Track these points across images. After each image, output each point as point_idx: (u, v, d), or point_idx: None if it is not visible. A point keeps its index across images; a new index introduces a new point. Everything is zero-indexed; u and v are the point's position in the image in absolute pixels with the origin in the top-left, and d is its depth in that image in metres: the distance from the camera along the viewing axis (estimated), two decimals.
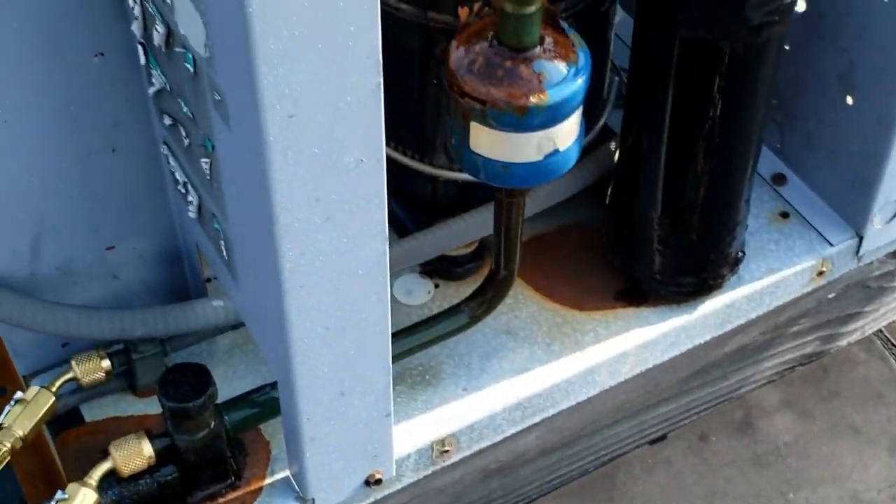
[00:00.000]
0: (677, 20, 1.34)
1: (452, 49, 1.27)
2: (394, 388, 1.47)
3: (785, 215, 1.76)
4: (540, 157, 1.29)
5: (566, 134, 1.29)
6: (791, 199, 1.77)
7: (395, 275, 1.67)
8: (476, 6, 1.28)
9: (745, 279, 1.68)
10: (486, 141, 1.28)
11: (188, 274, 1.56)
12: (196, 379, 1.36)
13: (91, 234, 1.45)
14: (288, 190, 1.10)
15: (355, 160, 1.12)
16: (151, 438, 1.39)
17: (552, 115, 1.25)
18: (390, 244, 1.59)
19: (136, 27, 1.25)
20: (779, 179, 1.79)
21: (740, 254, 1.63)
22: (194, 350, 1.58)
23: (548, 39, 1.26)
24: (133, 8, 1.24)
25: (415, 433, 1.52)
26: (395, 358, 1.50)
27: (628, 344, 1.62)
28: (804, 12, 1.64)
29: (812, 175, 1.76)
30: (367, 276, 1.23)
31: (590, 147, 1.63)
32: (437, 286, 1.67)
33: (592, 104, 1.59)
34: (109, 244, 1.48)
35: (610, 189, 1.64)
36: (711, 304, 1.65)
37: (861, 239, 1.72)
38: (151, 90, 1.30)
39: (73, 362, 1.48)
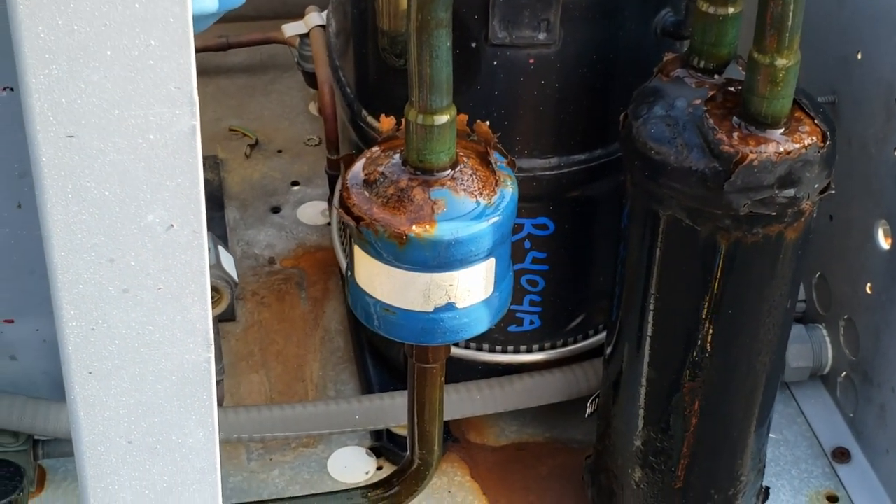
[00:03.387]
0: (659, 193, 1.06)
1: (357, 160, 1.06)
2: None
3: (833, 499, 1.38)
4: (430, 309, 1.04)
5: (467, 287, 1.03)
6: (847, 482, 1.40)
7: (335, 443, 1.43)
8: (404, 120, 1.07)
9: None
10: (366, 272, 1.04)
11: None
12: (5, 480, 1.16)
13: None
14: (68, 235, 0.90)
15: (163, 223, 0.91)
16: None
17: (442, 256, 1.00)
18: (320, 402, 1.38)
19: None
20: (841, 456, 1.42)
21: None
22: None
23: (465, 168, 1.02)
24: None
25: None
26: None
27: None
28: (889, 249, 1.31)
29: (879, 459, 1.39)
30: (183, 388, 1.00)
31: None
32: (379, 468, 1.41)
33: None
34: (7, 316, 1.32)
35: (590, 404, 1.34)
36: None
37: None
38: None
39: None
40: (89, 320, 0.95)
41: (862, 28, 1.30)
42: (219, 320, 1.49)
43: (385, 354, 1.47)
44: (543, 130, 1.20)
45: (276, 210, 1.78)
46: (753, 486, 1.27)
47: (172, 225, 0.92)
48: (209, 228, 1.75)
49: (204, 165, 1.81)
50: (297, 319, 1.61)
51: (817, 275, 1.48)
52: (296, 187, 1.82)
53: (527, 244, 1.28)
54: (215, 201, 1.78)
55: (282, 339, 1.58)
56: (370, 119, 1.26)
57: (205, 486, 1.07)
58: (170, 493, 1.06)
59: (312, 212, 1.77)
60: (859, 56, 1.31)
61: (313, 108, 1.97)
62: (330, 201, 1.71)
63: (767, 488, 1.33)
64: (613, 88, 1.18)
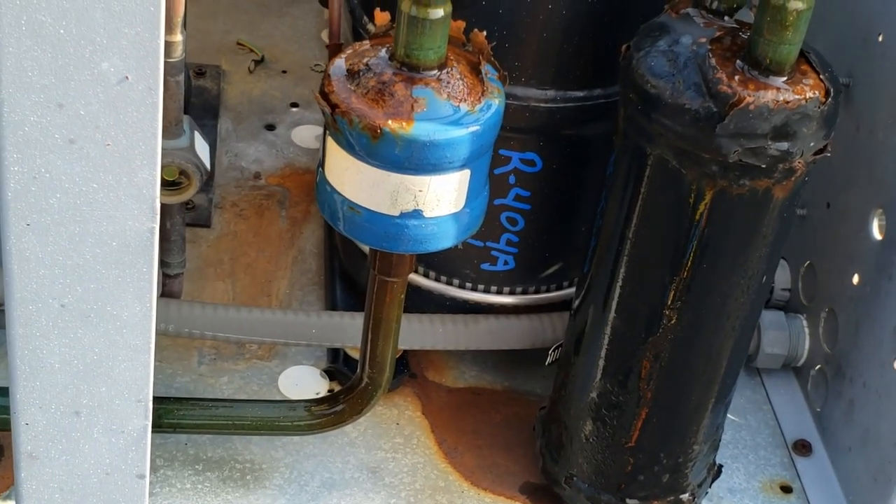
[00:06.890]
0: (650, 130, 1.02)
1: (343, 51, 1.02)
2: (202, 475, 1.27)
3: (787, 490, 1.35)
4: (396, 213, 1.00)
5: (436, 196, 0.99)
6: (804, 475, 1.36)
7: (290, 360, 1.40)
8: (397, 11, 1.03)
9: None
10: (336, 167, 1.01)
11: None
12: None
13: None
14: (16, 72, 0.86)
15: (117, 73, 0.87)
16: None
17: (415, 157, 0.96)
18: (279, 311, 1.35)
19: None
20: (802, 448, 1.39)
21: (687, 495, 1.24)
22: None
23: (453, 71, 0.98)
24: None
25: None
26: (200, 425, 1.22)
27: None
28: (881, 240, 1.28)
29: (840, 456, 1.35)
30: (123, 256, 0.96)
31: None
32: (330, 392, 1.37)
33: None
34: None
35: (552, 353, 1.30)
36: None
37: None
38: None
39: None
40: (32, 167, 0.91)
41: (888, 8, 1.25)
42: (191, 223, 1.46)
43: (355, 280, 1.44)
44: (544, 59, 1.16)
45: (270, 128, 1.74)
46: (706, 458, 1.23)
47: (127, 77, 0.88)
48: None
49: (205, 74, 1.79)
50: (273, 236, 1.57)
51: (806, 264, 1.44)
52: (294, 109, 1.78)
53: (511, 179, 1.24)
54: (210, 110, 1.74)
55: (254, 252, 1.54)
56: (370, 26, 1.23)
57: (136, 365, 1.03)
58: (99, 366, 1.02)
59: (307, 134, 1.73)
60: (881, 38, 1.27)
61: (325, 35, 1.94)
62: None
63: (721, 466, 1.29)
64: (621, 27, 1.14)
